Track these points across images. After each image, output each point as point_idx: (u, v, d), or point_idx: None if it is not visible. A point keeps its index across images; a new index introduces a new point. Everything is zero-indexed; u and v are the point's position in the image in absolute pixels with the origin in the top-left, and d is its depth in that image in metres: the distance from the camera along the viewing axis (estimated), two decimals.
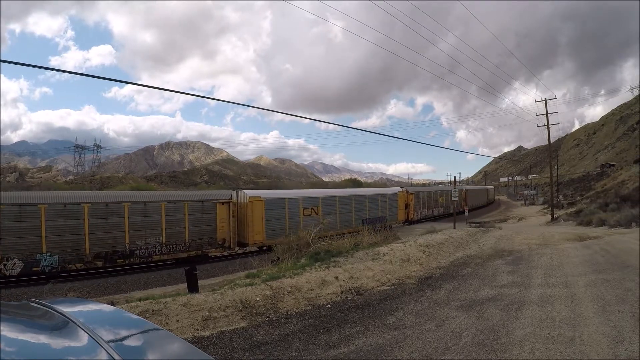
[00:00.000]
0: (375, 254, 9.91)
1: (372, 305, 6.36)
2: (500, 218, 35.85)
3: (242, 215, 18.50)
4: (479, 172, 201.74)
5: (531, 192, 63.42)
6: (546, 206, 40.13)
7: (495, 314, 5.56)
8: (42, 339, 1.08)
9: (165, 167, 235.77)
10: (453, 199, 22.63)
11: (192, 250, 16.14)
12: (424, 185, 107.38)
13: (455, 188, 23.82)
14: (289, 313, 5.93)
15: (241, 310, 5.75)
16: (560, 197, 46.27)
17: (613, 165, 63.02)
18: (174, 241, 15.69)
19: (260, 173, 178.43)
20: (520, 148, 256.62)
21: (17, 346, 1.00)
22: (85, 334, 1.06)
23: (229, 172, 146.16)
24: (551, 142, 33.99)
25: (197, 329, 5.12)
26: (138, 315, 1.87)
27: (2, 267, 11.97)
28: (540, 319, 5.25)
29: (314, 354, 4.37)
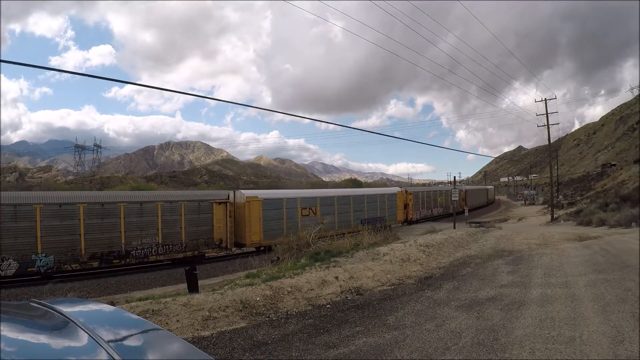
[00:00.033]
0: (375, 254, 9.91)
1: (372, 305, 6.36)
2: (500, 218, 35.84)
3: (239, 216, 18.44)
4: (479, 172, 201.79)
5: (531, 192, 63.41)
6: (546, 206, 40.14)
7: (495, 314, 5.56)
8: (42, 339, 1.08)
9: (165, 167, 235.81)
10: (453, 199, 22.63)
11: (188, 251, 16.10)
12: (424, 185, 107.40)
13: (455, 188, 23.82)
14: (289, 313, 5.93)
15: (241, 310, 5.75)
16: (560, 197, 46.28)
17: (614, 165, 63.00)
18: (171, 241, 15.64)
19: (260, 173, 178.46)
20: (520, 148, 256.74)
21: (17, 346, 1.00)
22: (85, 334, 1.06)
23: (229, 172, 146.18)
24: (551, 142, 34.00)
25: (197, 329, 5.12)
26: (138, 315, 1.87)
27: None
28: (540, 319, 5.25)
29: (314, 354, 4.37)
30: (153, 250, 15.17)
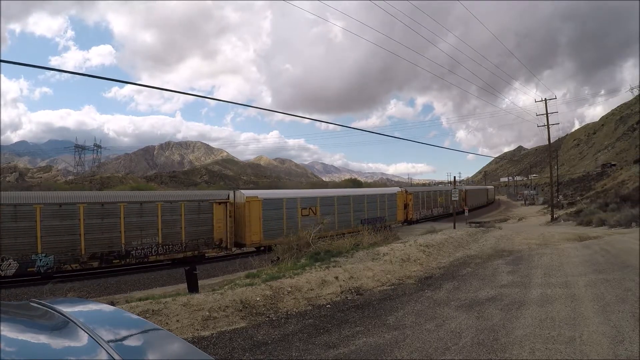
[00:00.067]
0: (375, 254, 9.91)
1: (372, 305, 6.36)
2: (500, 218, 35.85)
3: (239, 216, 18.42)
4: (479, 172, 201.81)
5: (531, 192, 63.41)
6: (546, 206, 40.14)
7: (495, 314, 5.56)
8: (42, 339, 1.08)
9: (165, 167, 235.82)
10: (453, 199, 22.63)
11: (188, 251, 16.08)
12: (424, 185, 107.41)
13: (455, 188, 23.82)
14: (289, 313, 5.93)
15: (241, 310, 5.75)
16: (560, 197, 46.28)
17: (614, 164, 62.99)
18: (171, 241, 15.63)
19: (260, 173, 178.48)
20: (520, 148, 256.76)
21: (17, 346, 1.00)
22: (85, 334, 1.06)
23: (229, 172, 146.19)
24: (551, 142, 34.00)
25: (197, 329, 5.12)
26: (138, 315, 1.87)
27: None
28: (540, 319, 5.25)
29: (314, 354, 4.37)
30: (153, 250, 15.17)
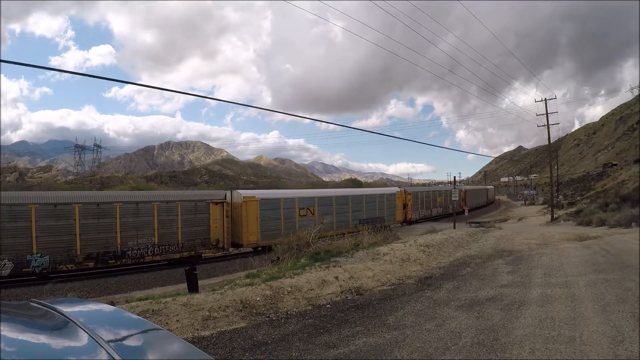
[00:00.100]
0: (375, 254, 9.91)
1: (372, 305, 6.36)
2: (500, 218, 35.85)
3: (236, 216, 18.36)
4: (479, 172, 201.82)
5: (531, 192, 63.41)
6: (546, 206, 40.14)
7: (495, 314, 5.56)
8: (42, 339, 1.08)
9: (165, 167, 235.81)
10: (453, 198, 22.62)
11: (185, 251, 16.01)
12: (424, 185, 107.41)
13: (455, 188, 23.82)
14: (289, 313, 5.93)
15: (241, 310, 5.75)
16: (560, 197, 46.28)
17: (615, 164, 62.98)
18: (167, 242, 15.56)
19: (260, 173, 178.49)
20: (520, 148, 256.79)
21: (17, 346, 1.00)
22: (85, 334, 1.06)
23: (229, 172, 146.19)
24: (551, 142, 34.00)
25: (197, 329, 5.12)
26: (138, 315, 1.87)
27: None
28: (540, 319, 5.25)
29: (314, 354, 4.37)
30: (149, 250, 15.09)
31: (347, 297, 6.84)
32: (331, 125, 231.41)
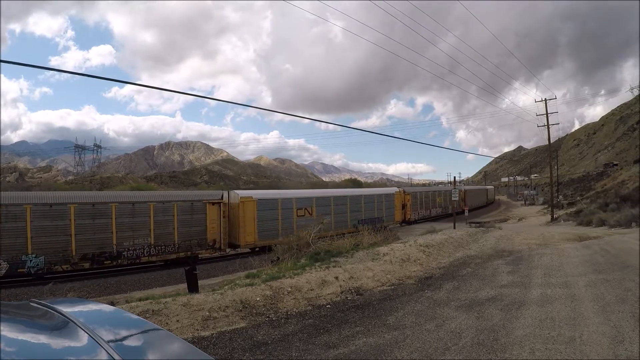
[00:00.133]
0: (375, 254, 9.91)
1: (372, 305, 6.36)
2: (500, 218, 35.85)
3: (233, 216, 18.29)
4: (479, 172, 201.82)
5: (531, 192, 63.42)
6: (546, 206, 40.14)
7: (495, 314, 5.56)
8: (42, 339, 1.08)
9: (165, 167, 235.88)
10: (453, 199, 22.61)
11: (181, 252, 15.95)
12: (423, 185, 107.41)
13: (455, 188, 23.81)
14: (289, 313, 5.93)
15: (241, 311, 5.75)
16: (560, 197, 46.28)
17: (616, 164, 62.98)
18: (163, 242, 15.49)
19: (260, 173, 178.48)
20: (520, 148, 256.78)
21: (17, 346, 1.00)
22: (85, 334, 1.06)
23: (229, 172, 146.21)
24: (551, 142, 34.01)
25: (197, 329, 5.12)
26: (138, 315, 1.87)
27: None
28: (540, 319, 5.25)
29: (314, 354, 4.37)
30: (145, 251, 15.03)
31: (347, 297, 6.84)
32: (331, 125, 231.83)
